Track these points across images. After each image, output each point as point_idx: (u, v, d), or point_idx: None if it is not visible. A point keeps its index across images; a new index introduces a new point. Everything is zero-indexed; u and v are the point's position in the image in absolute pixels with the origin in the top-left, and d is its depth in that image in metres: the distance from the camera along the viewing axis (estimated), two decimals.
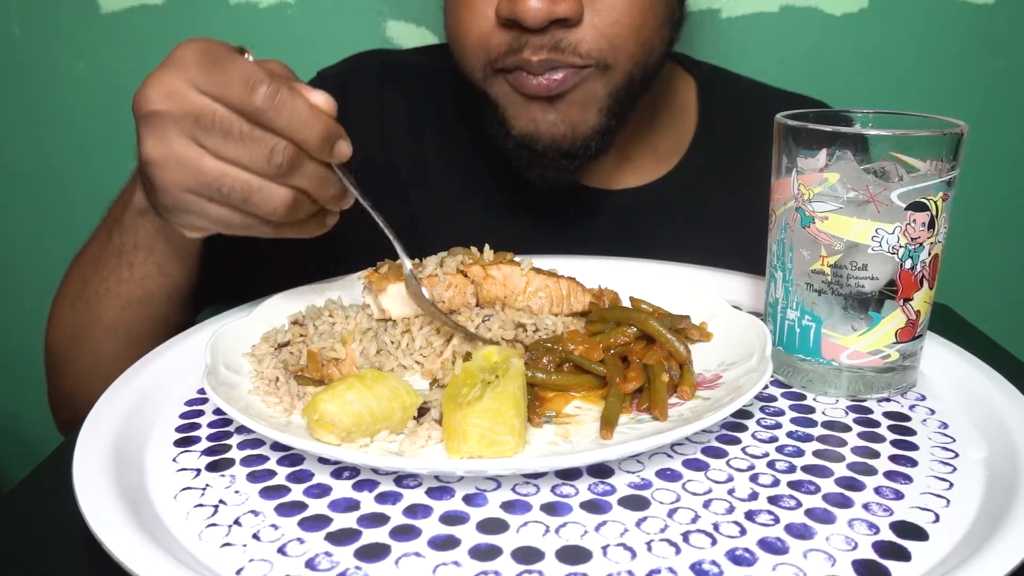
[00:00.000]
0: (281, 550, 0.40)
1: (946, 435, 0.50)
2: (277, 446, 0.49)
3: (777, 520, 0.42)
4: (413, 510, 0.43)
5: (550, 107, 0.73)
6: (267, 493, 0.45)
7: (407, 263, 0.59)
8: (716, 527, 0.41)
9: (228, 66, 0.51)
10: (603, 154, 0.78)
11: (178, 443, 0.50)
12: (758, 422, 0.52)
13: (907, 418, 0.52)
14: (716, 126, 0.90)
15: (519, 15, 0.67)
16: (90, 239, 0.76)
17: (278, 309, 0.64)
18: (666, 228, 0.87)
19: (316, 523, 0.42)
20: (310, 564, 0.39)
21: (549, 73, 0.70)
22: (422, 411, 0.50)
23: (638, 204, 0.87)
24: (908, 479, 0.45)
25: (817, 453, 0.48)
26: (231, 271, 0.88)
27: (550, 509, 0.43)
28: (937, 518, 0.42)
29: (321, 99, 0.53)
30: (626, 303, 0.65)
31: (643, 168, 0.88)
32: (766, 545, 0.40)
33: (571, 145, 0.74)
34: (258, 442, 0.50)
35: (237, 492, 0.45)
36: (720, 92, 0.92)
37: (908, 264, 0.51)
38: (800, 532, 0.41)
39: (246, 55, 0.53)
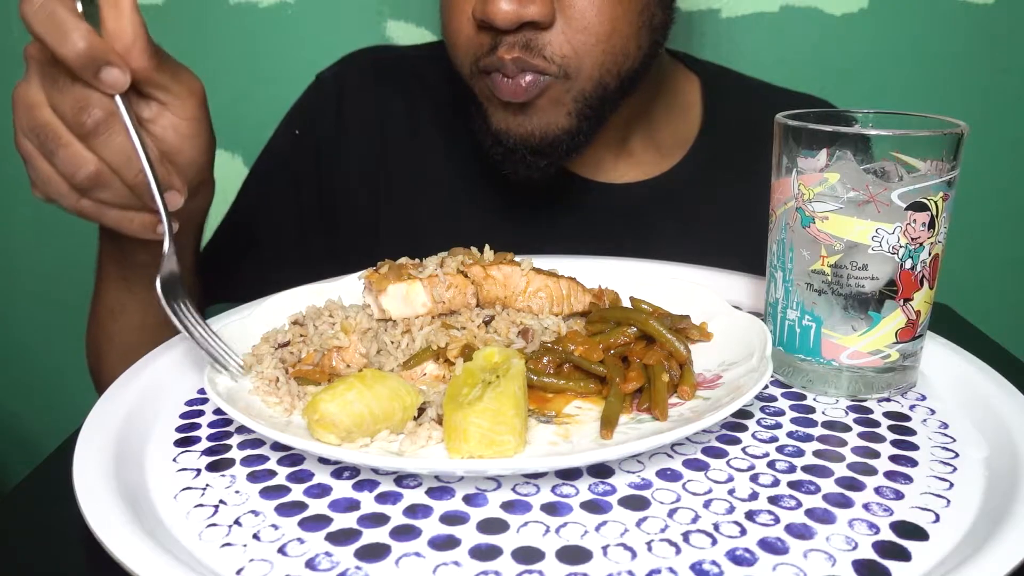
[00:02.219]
0: (281, 550, 0.40)
1: (946, 435, 0.50)
2: (277, 446, 0.49)
3: (777, 520, 0.42)
4: (413, 510, 0.43)
5: (520, 111, 0.75)
6: (267, 493, 0.45)
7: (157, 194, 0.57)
8: (716, 527, 0.41)
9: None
10: (576, 154, 0.79)
11: (178, 443, 0.50)
12: (758, 422, 0.52)
13: (907, 418, 0.52)
14: (720, 123, 0.90)
15: (489, 16, 0.68)
16: None
17: (278, 309, 0.64)
18: (668, 222, 0.87)
19: (316, 523, 0.42)
20: (310, 564, 0.39)
21: (520, 76, 0.71)
22: (421, 409, 0.50)
23: (640, 198, 0.87)
24: (908, 479, 0.46)
25: (817, 453, 0.48)
26: (231, 270, 0.89)
27: (550, 509, 0.43)
28: (937, 518, 0.42)
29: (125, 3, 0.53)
30: (626, 303, 0.65)
31: (645, 163, 0.89)
32: (766, 545, 0.40)
33: (539, 143, 0.76)
34: (258, 442, 0.50)
35: (237, 492, 0.45)
36: (724, 90, 0.92)
37: (908, 264, 0.51)
38: (800, 532, 0.41)
39: None
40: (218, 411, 0.53)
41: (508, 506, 0.43)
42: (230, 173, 0.97)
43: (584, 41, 0.71)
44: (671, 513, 0.42)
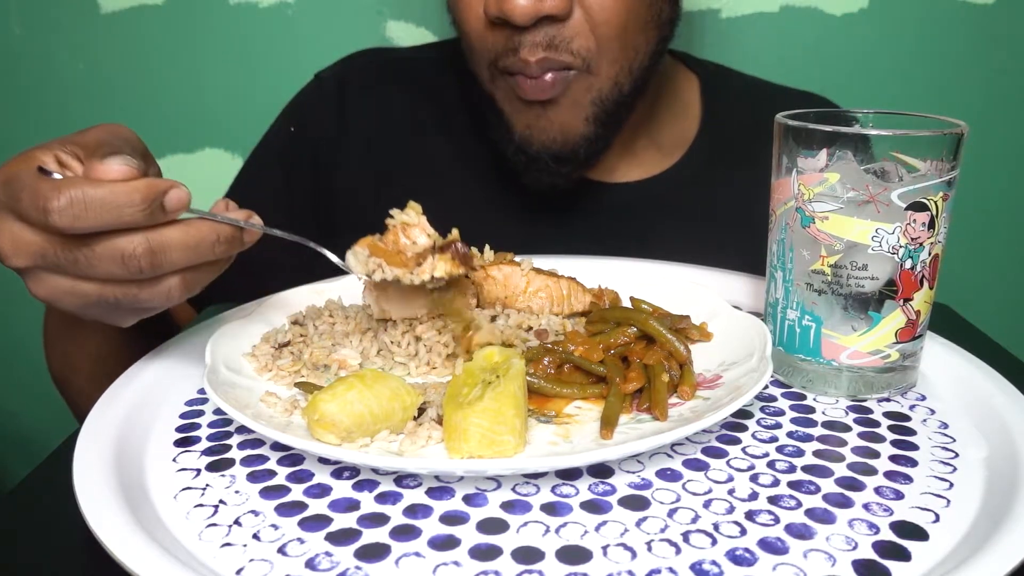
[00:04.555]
0: (281, 550, 0.40)
1: (946, 435, 0.50)
2: (277, 446, 0.49)
3: (777, 520, 0.42)
4: (413, 510, 0.43)
5: (543, 112, 0.74)
6: (267, 493, 0.45)
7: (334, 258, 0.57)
8: (716, 527, 0.41)
9: (22, 196, 0.45)
10: (593, 161, 0.79)
11: (178, 443, 0.50)
12: (758, 422, 0.52)
13: (907, 418, 0.52)
14: (720, 122, 0.90)
15: (506, 13, 0.67)
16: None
17: (278, 309, 0.64)
18: (668, 221, 0.87)
19: (316, 523, 0.42)
20: (310, 564, 0.39)
21: (544, 74, 0.71)
22: (421, 409, 0.50)
23: (641, 197, 0.88)
24: (908, 479, 0.45)
25: (817, 453, 0.48)
26: (230, 271, 0.89)
27: (550, 509, 0.43)
28: (937, 518, 0.42)
29: (119, 167, 0.46)
30: (626, 303, 0.65)
31: (646, 162, 0.89)
32: (766, 545, 0.40)
33: (560, 149, 0.76)
34: (258, 442, 0.50)
35: (237, 492, 0.45)
36: (724, 89, 0.92)
37: (908, 264, 0.51)
38: (800, 532, 0.41)
39: (46, 162, 0.47)
40: (218, 411, 0.53)
41: (508, 506, 0.43)
42: (230, 172, 0.96)
43: (605, 34, 0.71)
44: (671, 513, 0.42)
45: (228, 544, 0.40)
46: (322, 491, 0.45)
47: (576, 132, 0.75)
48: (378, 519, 0.42)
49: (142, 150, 0.50)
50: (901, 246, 0.51)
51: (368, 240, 0.57)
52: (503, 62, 0.72)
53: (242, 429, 0.51)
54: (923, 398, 0.55)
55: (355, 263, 0.56)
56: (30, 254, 0.47)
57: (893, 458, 0.48)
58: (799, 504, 0.43)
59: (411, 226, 0.56)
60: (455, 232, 0.58)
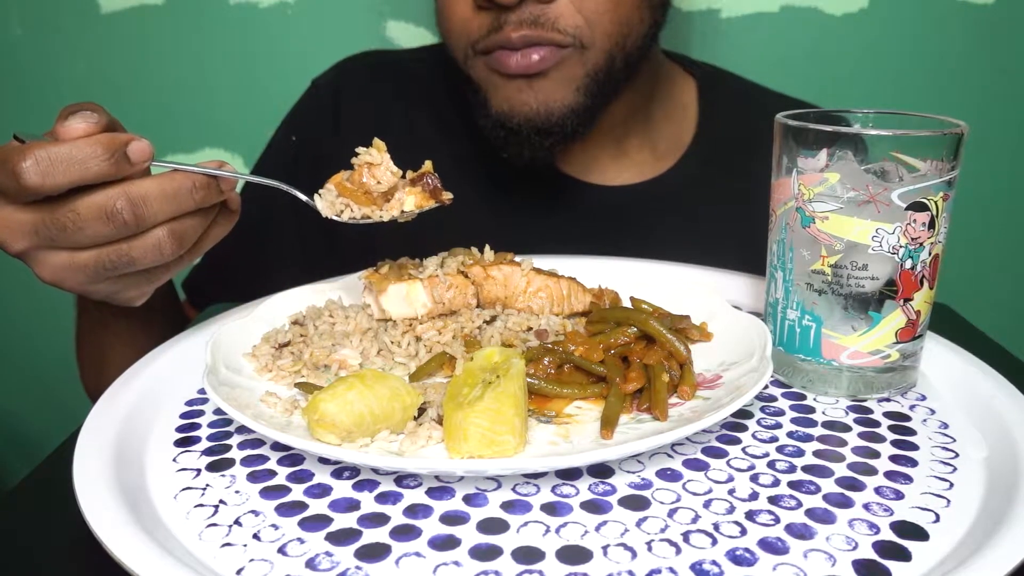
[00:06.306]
0: (281, 550, 0.40)
1: (946, 435, 0.50)
2: (277, 446, 0.49)
3: (777, 520, 0.42)
4: (413, 510, 0.43)
5: (527, 86, 0.74)
6: (267, 493, 0.45)
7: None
8: (716, 527, 0.41)
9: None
10: (581, 135, 0.78)
11: (178, 443, 0.50)
12: (758, 422, 0.52)
13: (907, 418, 0.52)
14: (716, 126, 0.90)
15: None
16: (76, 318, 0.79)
17: (278, 309, 0.64)
18: (664, 224, 0.87)
19: (316, 523, 0.42)
20: (310, 564, 0.39)
21: (528, 50, 0.71)
22: (421, 409, 0.50)
23: (637, 200, 0.87)
24: (908, 479, 0.45)
25: (817, 453, 0.48)
26: (231, 271, 0.89)
27: (550, 509, 0.43)
28: (937, 518, 0.42)
29: (78, 124, 0.48)
30: (626, 303, 0.65)
31: (642, 165, 0.89)
32: (766, 545, 0.40)
33: (544, 122, 0.75)
34: (258, 442, 0.50)
35: (237, 492, 0.45)
36: (720, 92, 0.92)
37: (908, 264, 0.51)
38: (800, 532, 0.41)
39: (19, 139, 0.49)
40: (218, 411, 0.53)
41: (508, 506, 0.43)
42: None
43: (594, 9, 0.71)
44: (671, 513, 0.42)
45: (228, 544, 0.40)
46: (322, 491, 0.45)
47: (564, 103, 0.74)
48: (378, 519, 0.42)
49: (109, 118, 0.51)
50: (901, 246, 0.51)
51: (336, 179, 0.58)
52: (483, 43, 0.72)
53: (242, 429, 0.51)
54: (923, 398, 0.55)
55: (323, 204, 0.57)
56: (24, 233, 0.49)
57: (893, 458, 0.48)
58: (799, 504, 0.43)
59: (375, 166, 0.56)
60: (427, 164, 0.59)
